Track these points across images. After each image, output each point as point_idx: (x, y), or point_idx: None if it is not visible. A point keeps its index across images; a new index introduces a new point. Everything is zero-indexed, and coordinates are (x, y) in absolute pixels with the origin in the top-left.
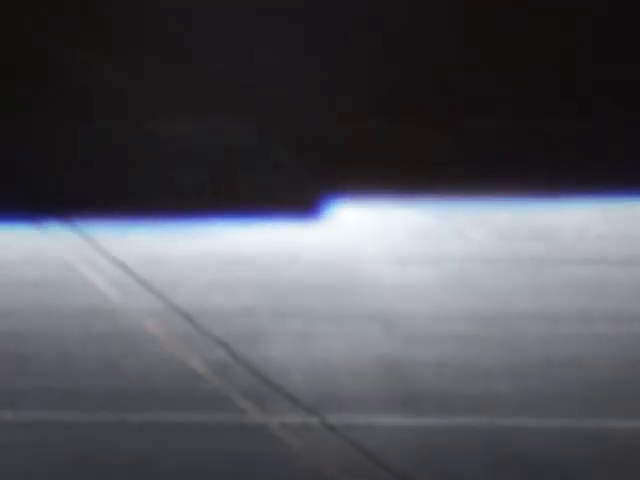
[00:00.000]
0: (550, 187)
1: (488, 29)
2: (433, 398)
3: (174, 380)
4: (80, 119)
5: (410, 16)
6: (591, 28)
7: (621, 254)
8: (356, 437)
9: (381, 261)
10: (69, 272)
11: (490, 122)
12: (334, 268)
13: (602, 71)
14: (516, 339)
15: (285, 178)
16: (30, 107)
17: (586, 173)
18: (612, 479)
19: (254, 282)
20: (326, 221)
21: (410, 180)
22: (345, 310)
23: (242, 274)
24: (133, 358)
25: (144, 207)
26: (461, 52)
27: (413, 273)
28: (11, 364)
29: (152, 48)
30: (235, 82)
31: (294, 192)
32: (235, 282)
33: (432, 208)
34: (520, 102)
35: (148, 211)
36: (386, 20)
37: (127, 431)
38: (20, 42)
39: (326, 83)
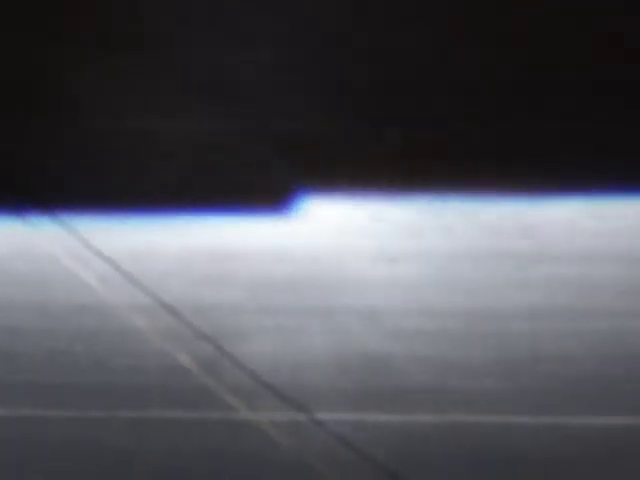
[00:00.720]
0: (543, 185)
1: (488, 29)
2: (421, 394)
3: (162, 377)
4: (67, 115)
5: (410, 15)
6: (591, 28)
7: (609, 250)
8: (344, 433)
9: (368, 257)
10: (57, 268)
11: (490, 122)
12: (321, 265)
13: (602, 71)
14: (504, 335)
15: (274, 176)
16: (16, 103)
17: (583, 172)
18: (601, 476)
19: (242, 278)
20: (314, 218)
21: (403, 178)
22: (332, 306)
23: (230, 270)
24: (121, 355)
25: (130, 202)
26: (461, 51)
27: (400, 269)
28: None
29: (137, 46)
30: (222, 81)
31: (280, 189)
32: (223, 278)
33: (421, 205)
34: (520, 102)
35: (133, 206)
36: (385, 19)
37: (116, 427)
38: (7, 41)
39: (325, 83)
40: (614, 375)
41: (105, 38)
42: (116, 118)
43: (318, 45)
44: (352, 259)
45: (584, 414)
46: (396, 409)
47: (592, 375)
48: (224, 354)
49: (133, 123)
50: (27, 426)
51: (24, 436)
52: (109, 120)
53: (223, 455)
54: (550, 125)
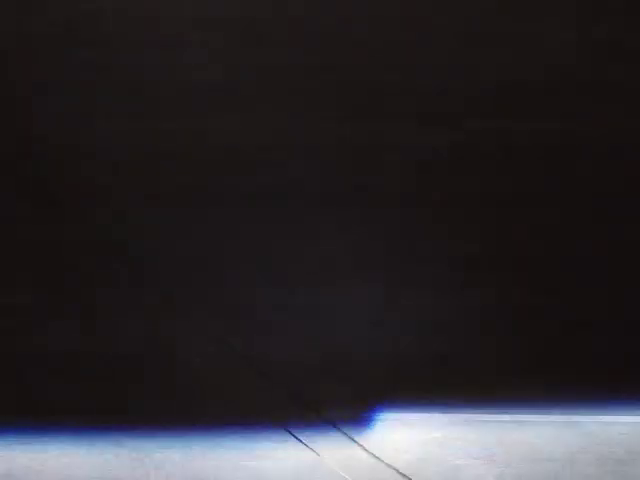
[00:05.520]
0: (546, 186)
1: (488, 29)
2: (434, 393)
3: (176, 377)
4: None
5: (410, 15)
6: (591, 28)
7: None
8: (355, 431)
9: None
10: None
11: (490, 122)
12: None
13: (602, 71)
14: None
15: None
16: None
17: (581, 170)
18: (609, 473)
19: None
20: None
21: (406, 178)
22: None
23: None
24: (136, 355)
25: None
26: (461, 52)
27: None
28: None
29: (150, 48)
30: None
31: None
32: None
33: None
34: (520, 102)
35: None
36: (385, 20)
37: (130, 427)
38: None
39: (325, 83)
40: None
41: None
42: None
43: (332, 45)
44: None
45: (597, 412)
46: (409, 407)
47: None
48: (238, 354)
49: None
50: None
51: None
52: None
53: (237, 452)
54: (562, 127)
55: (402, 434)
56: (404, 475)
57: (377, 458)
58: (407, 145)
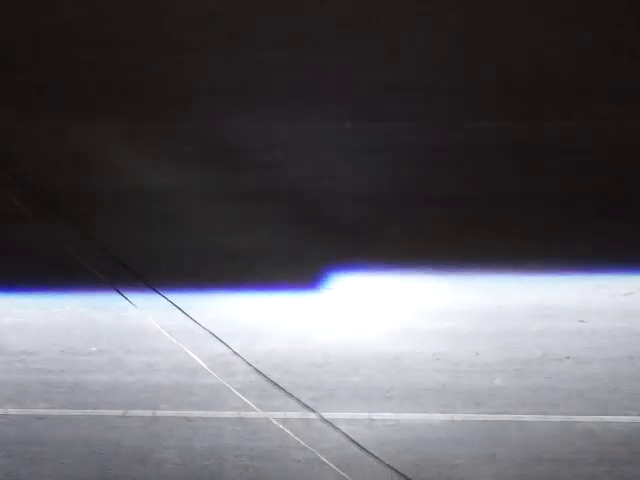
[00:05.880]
0: (548, 187)
1: (488, 29)
2: (432, 393)
3: (177, 375)
4: None
5: (410, 16)
6: (591, 28)
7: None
8: (355, 431)
9: None
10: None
11: (490, 122)
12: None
13: (602, 71)
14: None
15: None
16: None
17: (585, 171)
18: (608, 473)
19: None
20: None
21: (409, 179)
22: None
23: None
24: (136, 354)
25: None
26: (461, 52)
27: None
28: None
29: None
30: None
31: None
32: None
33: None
34: (520, 102)
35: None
36: (386, 20)
37: (130, 425)
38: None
39: (326, 83)
40: (621, 374)
41: (120, 40)
42: None
43: (333, 46)
44: None
45: (593, 412)
46: (407, 407)
47: (600, 374)
48: (236, 354)
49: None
50: (43, 424)
51: (40, 434)
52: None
53: (236, 451)
54: (563, 127)
55: (402, 434)
56: (404, 475)
57: (377, 458)
58: None
